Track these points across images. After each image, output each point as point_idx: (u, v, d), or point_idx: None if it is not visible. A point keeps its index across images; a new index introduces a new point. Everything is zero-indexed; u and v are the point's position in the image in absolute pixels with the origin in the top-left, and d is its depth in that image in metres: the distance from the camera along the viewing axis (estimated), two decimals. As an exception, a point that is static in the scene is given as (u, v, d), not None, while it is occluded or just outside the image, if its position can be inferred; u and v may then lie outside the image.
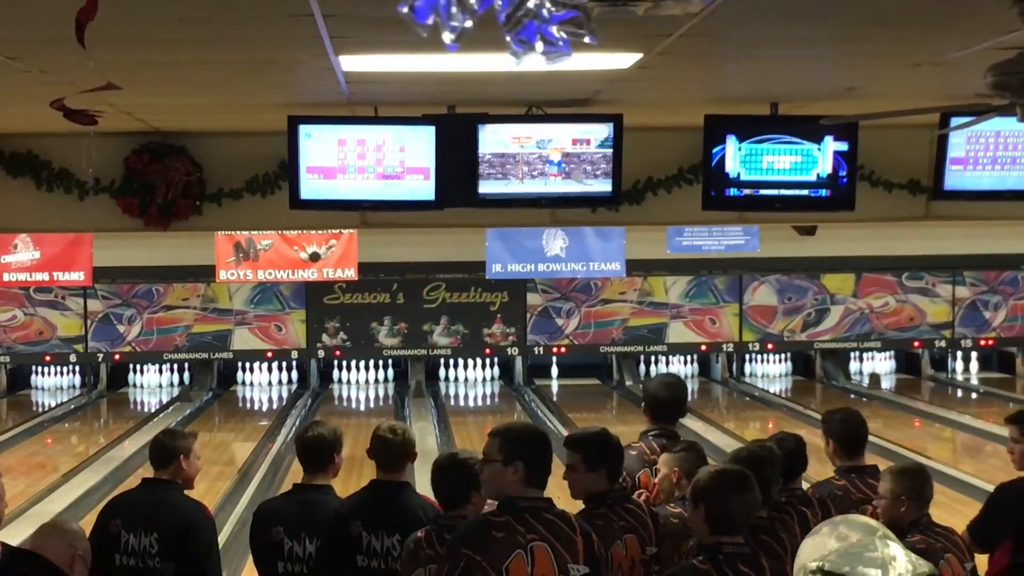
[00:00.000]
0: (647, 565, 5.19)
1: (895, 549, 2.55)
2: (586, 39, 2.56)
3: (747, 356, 21.27)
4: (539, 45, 2.55)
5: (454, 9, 2.43)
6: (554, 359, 20.97)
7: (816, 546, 2.73)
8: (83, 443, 16.65)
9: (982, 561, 6.13)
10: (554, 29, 2.50)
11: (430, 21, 2.43)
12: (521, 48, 2.54)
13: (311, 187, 8.61)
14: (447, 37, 2.45)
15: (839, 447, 6.30)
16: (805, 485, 6.11)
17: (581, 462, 5.22)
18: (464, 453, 5.34)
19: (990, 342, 20.89)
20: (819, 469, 10.53)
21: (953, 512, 9.96)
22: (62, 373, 20.64)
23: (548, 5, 2.49)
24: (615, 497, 5.25)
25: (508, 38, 2.52)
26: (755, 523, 4.88)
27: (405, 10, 2.43)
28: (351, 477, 5.94)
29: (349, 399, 20.17)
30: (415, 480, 5.90)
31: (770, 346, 20.85)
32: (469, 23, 2.45)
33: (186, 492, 5.93)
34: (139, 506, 5.84)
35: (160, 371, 20.69)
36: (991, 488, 6.47)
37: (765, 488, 5.07)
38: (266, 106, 8.57)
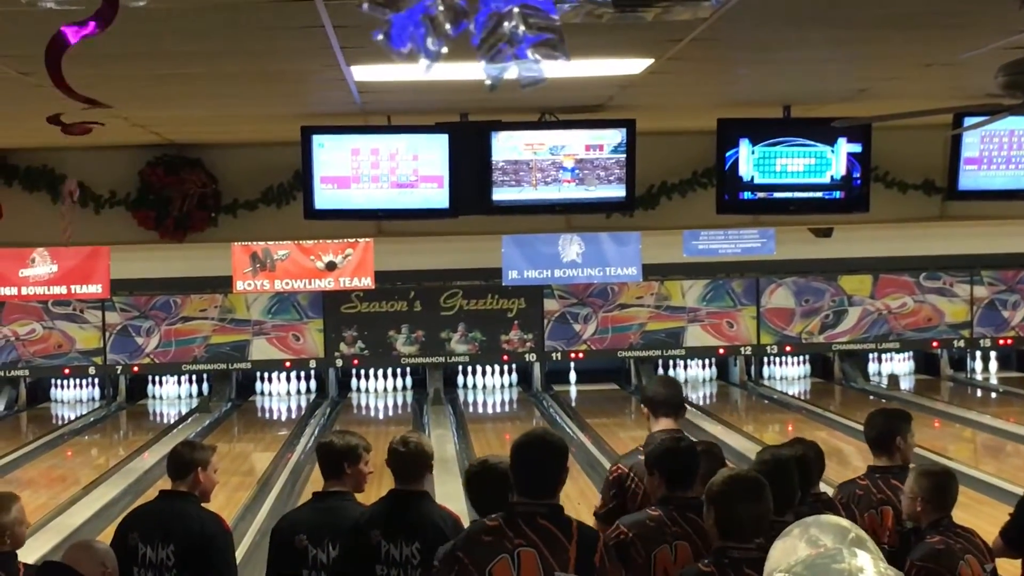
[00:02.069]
0: None
1: (863, 559, 2.39)
2: (560, 60, 2.56)
3: (765, 359, 21.25)
4: (513, 70, 2.55)
5: (429, 35, 2.43)
6: (572, 365, 20.96)
7: (785, 550, 2.64)
8: (103, 455, 16.70)
9: (1016, 566, 6.13)
10: (529, 52, 2.50)
11: (406, 48, 2.44)
12: (496, 72, 2.54)
13: (325, 197, 8.63)
14: (423, 64, 2.46)
15: (870, 446, 6.34)
16: (829, 489, 6.12)
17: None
18: (494, 459, 5.35)
19: (1009, 341, 20.82)
20: (839, 471, 10.52)
21: (975, 512, 9.93)
22: (81, 386, 20.70)
23: (522, 28, 2.49)
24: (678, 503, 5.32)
25: (482, 63, 2.52)
26: (781, 529, 4.88)
27: (380, 37, 2.44)
28: (371, 486, 5.94)
29: (368, 408, 20.19)
30: (434, 489, 5.91)
31: (788, 348, 20.83)
32: (445, 49, 2.46)
33: (204, 504, 5.95)
34: (156, 518, 5.85)
35: (179, 382, 20.74)
36: (1012, 488, 6.47)
37: (790, 493, 5.08)
38: (279, 117, 8.59)
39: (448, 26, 2.44)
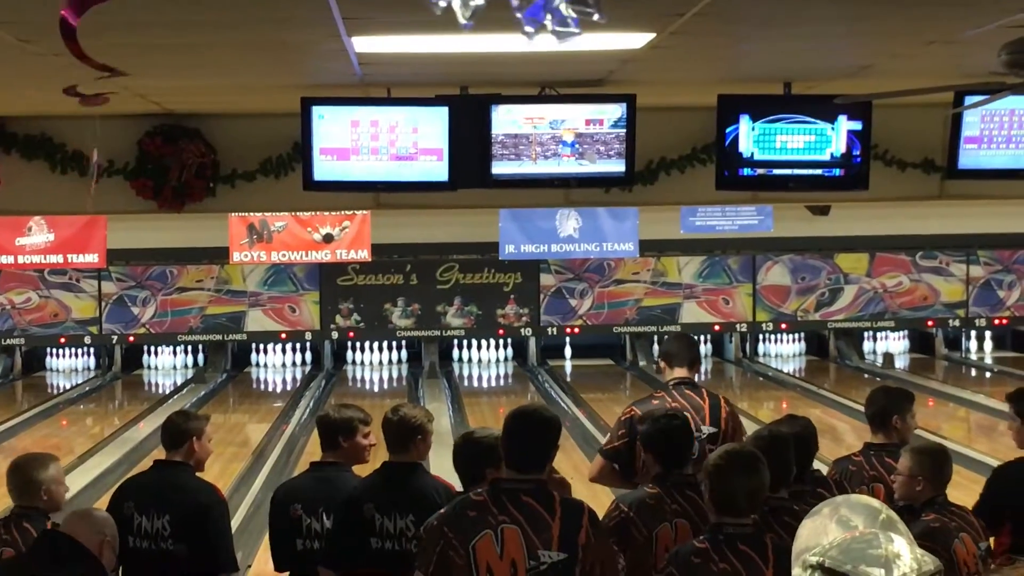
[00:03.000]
0: None
1: (899, 544, 2.36)
2: (595, 17, 2.56)
3: (761, 336, 21.27)
4: (549, 23, 2.55)
5: None
6: (567, 340, 20.98)
7: (815, 529, 2.59)
8: (98, 425, 16.72)
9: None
10: (563, 7, 2.50)
11: (444, 1, 2.43)
12: (532, 27, 2.54)
13: (324, 168, 8.61)
14: (461, 16, 2.45)
15: (869, 423, 6.35)
16: (823, 466, 6.14)
17: None
18: (480, 432, 5.38)
19: (1004, 321, 20.85)
20: (833, 449, 10.55)
21: (968, 492, 9.92)
22: (77, 355, 20.71)
23: None
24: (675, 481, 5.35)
25: (519, 16, 2.52)
26: (776, 504, 4.90)
27: None
28: (371, 458, 5.97)
29: (363, 380, 20.21)
30: (429, 461, 5.92)
31: (784, 326, 20.85)
32: (482, 1, 2.45)
33: (199, 474, 5.96)
34: (151, 488, 5.87)
35: (174, 353, 20.76)
36: (1007, 467, 6.48)
37: (785, 470, 5.09)
38: (279, 88, 8.57)
39: None
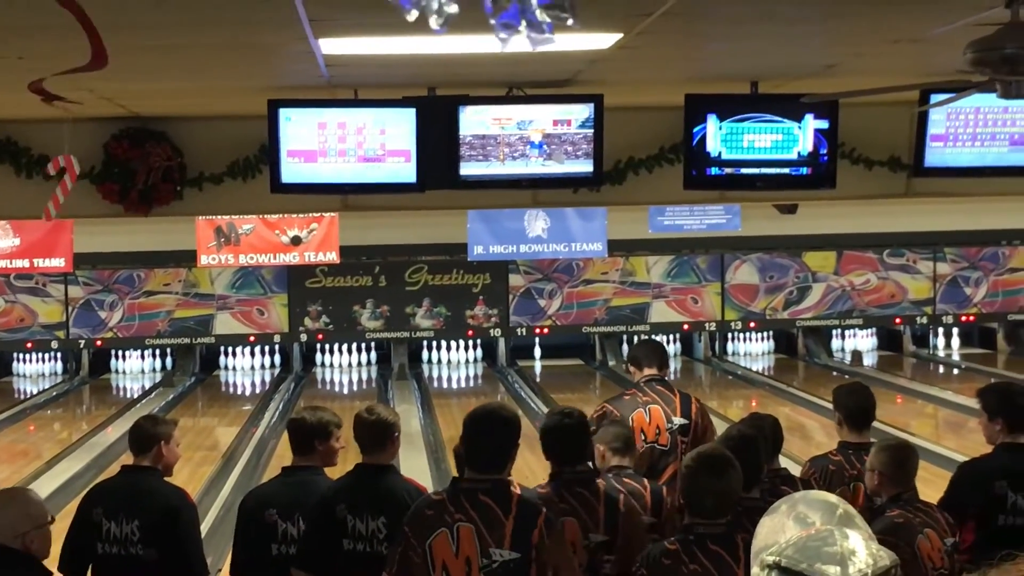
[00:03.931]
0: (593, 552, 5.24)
1: (855, 540, 2.34)
2: (568, 22, 2.55)
3: (729, 335, 21.31)
4: (523, 28, 2.54)
5: None
6: (537, 340, 20.97)
7: (773, 527, 2.59)
8: (66, 430, 16.62)
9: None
10: (538, 12, 2.49)
11: (416, 6, 2.43)
12: (506, 32, 2.53)
13: (292, 171, 8.60)
14: (434, 22, 2.44)
15: (845, 421, 6.28)
16: (793, 465, 6.14)
17: None
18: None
19: (971, 318, 20.94)
20: (803, 447, 10.58)
21: (936, 488, 9.95)
22: (44, 360, 20.58)
23: None
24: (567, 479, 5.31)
25: (493, 22, 2.51)
26: (749, 504, 4.91)
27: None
28: (340, 461, 5.94)
29: (332, 383, 20.17)
30: (399, 462, 5.91)
31: (752, 324, 20.89)
32: (455, 8, 2.44)
33: (167, 478, 5.93)
34: (120, 494, 5.83)
35: (142, 356, 20.64)
36: (974, 463, 6.50)
37: (756, 469, 5.10)
38: (246, 90, 8.55)
39: None
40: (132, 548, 5.70)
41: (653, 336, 20.83)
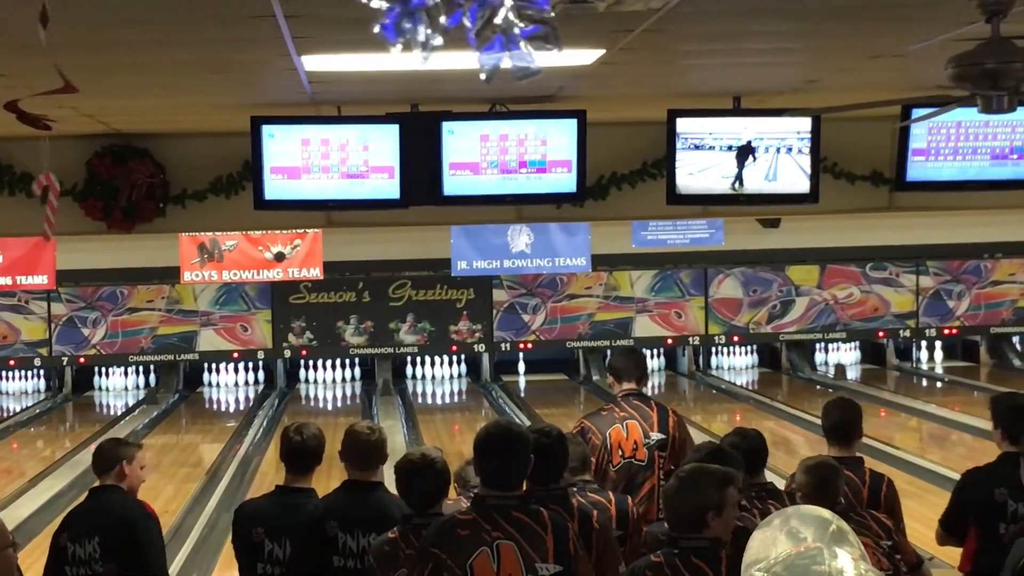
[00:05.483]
0: None
1: (843, 560, 2.33)
2: (553, 51, 2.55)
3: (713, 349, 21.32)
4: (507, 62, 2.54)
5: (424, 28, 2.42)
6: (521, 355, 20.97)
7: (765, 542, 2.55)
8: (49, 447, 16.56)
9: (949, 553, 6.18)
10: (522, 44, 2.49)
11: (400, 40, 2.42)
12: (490, 65, 2.53)
13: (275, 187, 8.59)
14: (419, 56, 2.44)
15: (827, 436, 6.25)
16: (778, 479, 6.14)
17: None
18: (432, 452, 5.26)
19: (954, 331, 20.99)
20: (787, 461, 10.59)
21: (921, 501, 10.03)
22: (27, 377, 20.51)
23: (516, 21, 2.48)
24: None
25: (477, 56, 2.51)
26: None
27: (377, 30, 2.42)
28: (320, 477, 5.92)
29: (316, 399, 20.13)
30: (383, 477, 5.90)
31: (736, 339, 20.91)
32: (440, 41, 2.44)
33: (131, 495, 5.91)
34: (84, 515, 5.86)
35: (126, 374, 20.59)
36: (957, 476, 6.51)
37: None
38: (229, 107, 8.55)
39: (443, 18, 2.41)
40: (95, 566, 5.71)
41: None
